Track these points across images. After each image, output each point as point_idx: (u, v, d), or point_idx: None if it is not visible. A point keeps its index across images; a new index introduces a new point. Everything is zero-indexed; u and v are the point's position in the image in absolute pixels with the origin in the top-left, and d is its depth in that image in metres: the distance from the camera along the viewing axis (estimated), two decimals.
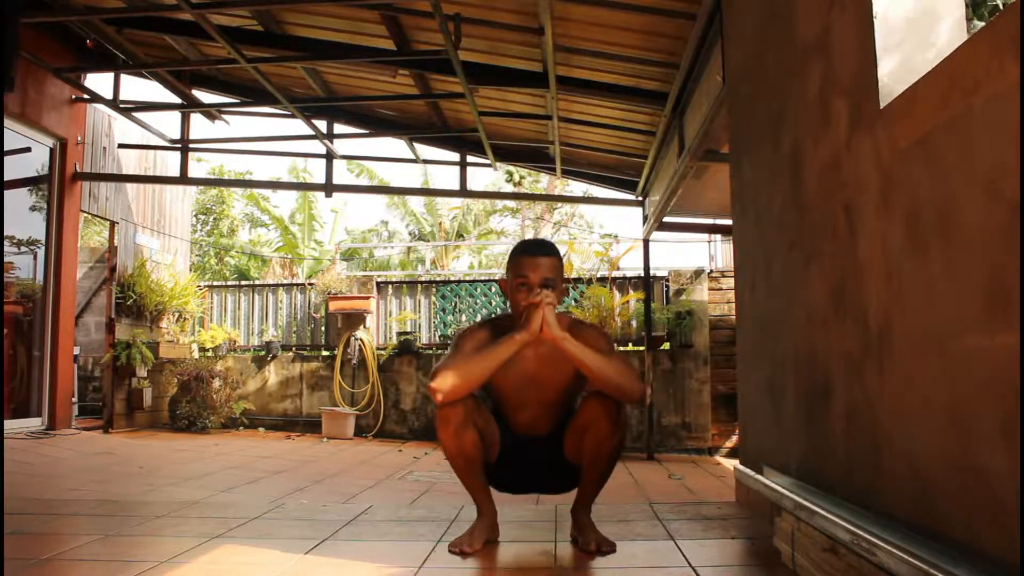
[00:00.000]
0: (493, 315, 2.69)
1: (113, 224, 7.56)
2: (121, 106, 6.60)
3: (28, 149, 6.36)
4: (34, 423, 6.24)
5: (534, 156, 7.52)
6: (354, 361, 8.03)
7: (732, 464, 3.85)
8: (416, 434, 7.83)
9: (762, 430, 2.75)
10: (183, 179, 7.51)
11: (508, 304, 2.33)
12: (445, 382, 2.12)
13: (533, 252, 2.27)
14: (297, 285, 8.98)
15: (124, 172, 7.58)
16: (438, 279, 9.64)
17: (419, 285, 8.70)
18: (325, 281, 8.46)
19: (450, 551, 2.20)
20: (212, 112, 7.22)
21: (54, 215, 6.55)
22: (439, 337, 8.39)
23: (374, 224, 18.51)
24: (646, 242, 7.15)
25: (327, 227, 15.55)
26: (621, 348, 7.92)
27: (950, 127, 1.37)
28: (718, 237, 9.11)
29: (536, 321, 2.10)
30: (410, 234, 16.89)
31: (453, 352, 2.24)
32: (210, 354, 8.19)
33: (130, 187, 7.74)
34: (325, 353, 8.34)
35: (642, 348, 7.47)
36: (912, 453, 1.52)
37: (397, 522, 2.69)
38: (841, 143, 1.88)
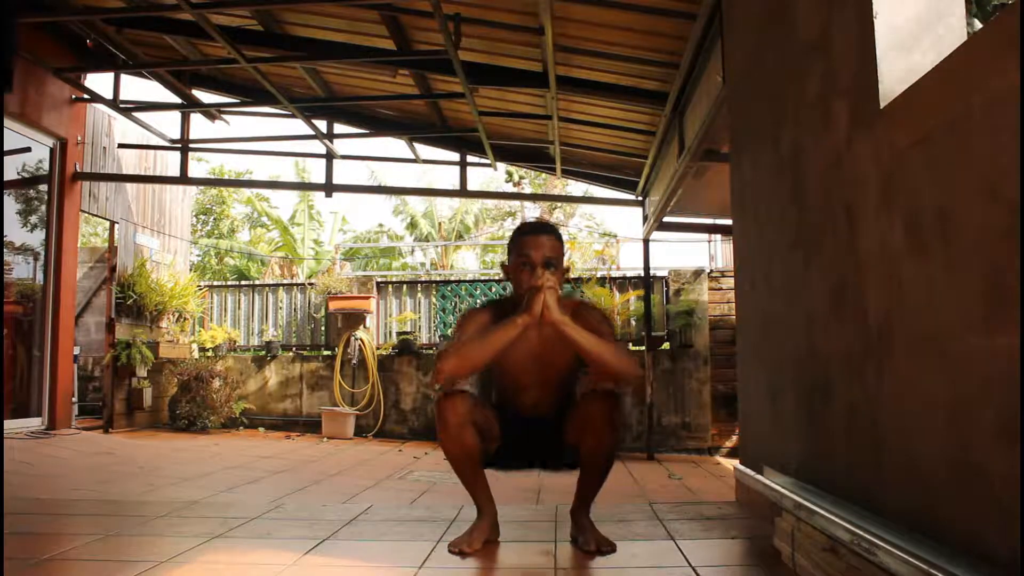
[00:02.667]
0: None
1: (113, 224, 7.56)
2: (121, 106, 6.60)
3: (28, 149, 6.36)
4: (34, 423, 6.24)
5: (534, 156, 7.52)
6: (354, 361, 8.03)
7: (732, 464, 3.85)
8: (416, 434, 7.83)
9: (762, 430, 2.75)
10: (183, 179, 7.51)
11: (512, 287, 2.34)
12: (448, 365, 2.14)
13: (535, 232, 2.28)
14: (297, 285, 8.98)
15: (124, 172, 7.57)
16: (438, 279, 9.64)
17: (419, 285, 8.70)
18: (325, 281, 8.46)
19: (450, 551, 2.20)
20: (212, 112, 7.22)
21: (54, 215, 6.55)
22: (439, 337, 8.38)
23: (375, 225, 18.52)
24: (646, 242, 7.15)
25: (327, 227, 15.55)
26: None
27: (950, 127, 1.37)
28: (718, 237, 9.11)
29: (537, 304, 2.11)
30: (411, 235, 16.88)
31: (456, 335, 2.26)
32: (210, 354, 8.19)
33: (130, 187, 7.74)
34: (325, 353, 8.34)
35: (642, 348, 7.47)
36: (912, 453, 1.52)
37: (397, 522, 2.69)
38: (841, 143, 1.88)
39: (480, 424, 2.24)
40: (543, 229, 2.30)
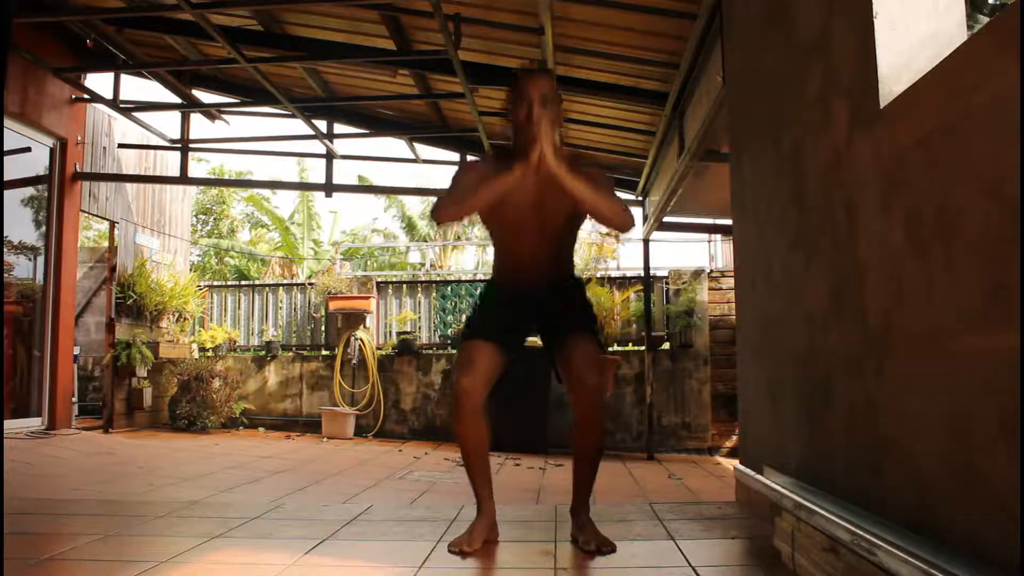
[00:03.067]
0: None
1: (113, 224, 7.56)
2: (121, 106, 6.59)
3: (28, 149, 6.36)
4: (34, 423, 6.24)
5: None
6: (354, 361, 8.03)
7: (732, 464, 3.85)
8: (416, 434, 7.83)
9: (762, 430, 2.75)
10: (183, 179, 7.51)
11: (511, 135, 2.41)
12: (447, 208, 2.27)
13: (530, 73, 2.41)
14: (297, 285, 8.98)
15: (124, 172, 7.57)
16: (438, 279, 9.64)
17: (419, 285, 8.70)
18: (325, 281, 8.46)
19: (450, 551, 2.20)
20: (212, 112, 7.22)
21: (54, 215, 6.55)
22: (439, 337, 8.39)
23: (374, 225, 18.49)
24: (646, 242, 7.15)
25: (327, 227, 15.55)
26: (621, 349, 7.92)
27: (950, 127, 1.37)
28: (718, 237, 9.10)
29: (535, 153, 2.18)
30: (409, 236, 16.87)
31: (452, 185, 2.36)
32: (210, 354, 8.19)
33: (130, 187, 7.74)
34: (325, 353, 8.34)
35: (642, 348, 7.47)
36: (912, 453, 1.52)
37: (397, 522, 2.69)
38: (841, 143, 1.88)
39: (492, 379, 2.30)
40: (537, 71, 2.45)
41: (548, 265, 2.43)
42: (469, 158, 7.44)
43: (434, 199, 13.03)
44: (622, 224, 2.33)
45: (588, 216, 2.39)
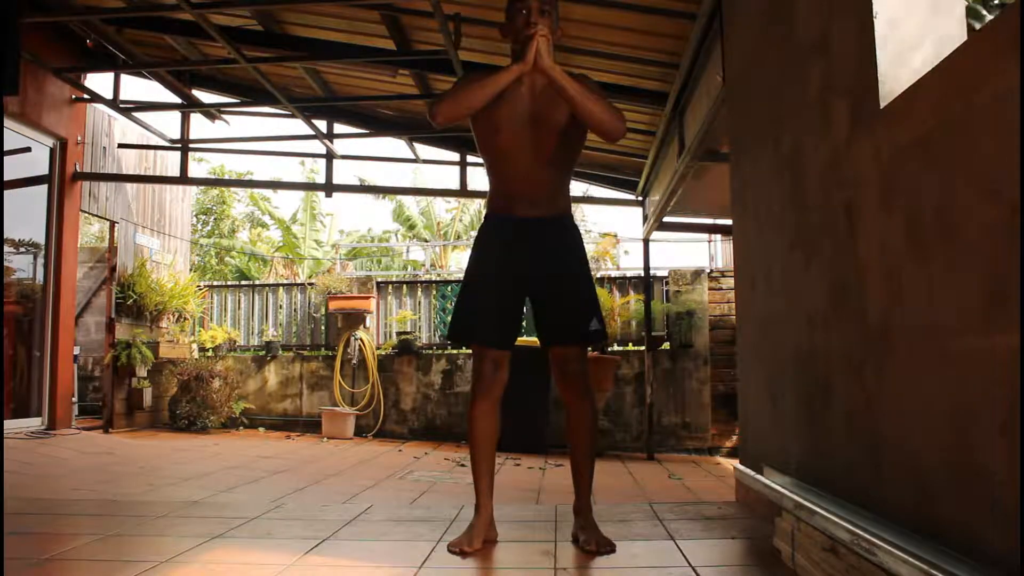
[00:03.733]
0: None
1: (113, 224, 7.56)
2: (121, 106, 6.60)
3: (28, 149, 6.36)
4: (34, 423, 6.24)
5: None
6: (354, 361, 8.03)
7: (732, 464, 3.85)
8: (416, 434, 7.83)
9: (762, 430, 2.75)
10: (183, 179, 7.51)
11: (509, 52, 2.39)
12: (443, 105, 2.25)
13: None
14: (297, 285, 8.98)
15: (124, 172, 7.57)
16: (438, 279, 9.64)
17: (419, 285, 8.70)
18: (325, 281, 8.46)
19: (449, 551, 2.20)
20: (212, 112, 7.22)
21: (54, 215, 6.55)
22: (439, 337, 8.39)
23: (375, 225, 18.51)
24: (646, 242, 7.15)
25: (328, 227, 15.55)
26: (621, 348, 7.92)
27: (950, 127, 1.37)
28: (718, 237, 9.11)
29: (531, 52, 2.17)
30: (409, 237, 16.87)
31: (452, 87, 2.34)
32: (210, 354, 8.19)
33: (130, 187, 7.74)
34: (325, 353, 8.34)
35: (642, 348, 7.47)
36: (912, 453, 1.52)
37: (397, 522, 2.69)
38: (841, 143, 1.88)
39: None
40: None
41: (544, 188, 2.35)
42: (467, 162, 7.44)
43: (433, 200, 12.85)
44: (614, 128, 2.26)
45: (582, 120, 2.30)
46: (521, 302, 2.42)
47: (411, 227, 16.45)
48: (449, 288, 8.66)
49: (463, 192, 7.82)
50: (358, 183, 15.48)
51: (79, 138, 6.79)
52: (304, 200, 15.18)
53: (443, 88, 6.04)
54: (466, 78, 2.36)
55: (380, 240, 17.52)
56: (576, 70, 5.28)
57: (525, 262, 2.34)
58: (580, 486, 2.38)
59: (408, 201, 16.55)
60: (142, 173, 7.85)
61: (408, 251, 16.16)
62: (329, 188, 7.57)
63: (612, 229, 18.72)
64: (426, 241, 15.93)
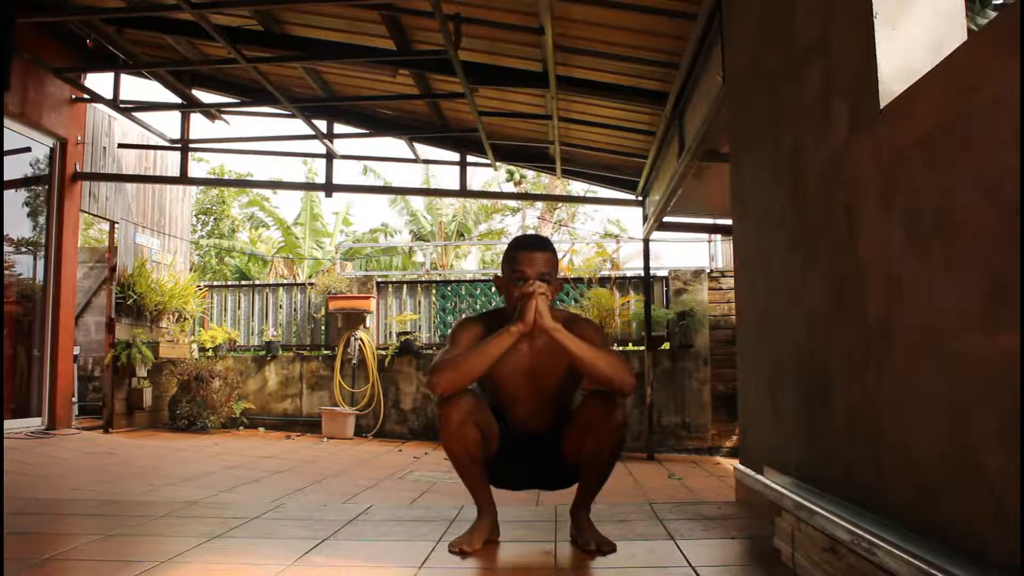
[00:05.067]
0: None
1: (113, 224, 7.56)
2: (121, 106, 6.59)
3: (28, 149, 6.36)
4: (34, 423, 6.24)
5: (534, 156, 7.52)
6: (354, 361, 8.03)
7: (732, 464, 3.85)
8: (416, 434, 7.83)
9: (762, 430, 2.75)
10: (183, 179, 7.51)
11: (504, 300, 2.34)
12: (444, 377, 2.14)
13: (529, 247, 2.29)
14: (297, 285, 8.98)
15: (124, 172, 7.57)
16: (438, 279, 9.64)
17: (419, 285, 8.70)
18: (325, 281, 8.46)
19: (450, 551, 2.20)
20: (212, 112, 7.22)
21: (54, 215, 6.55)
22: (439, 337, 8.38)
23: (377, 225, 18.50)
24: (646, 242, 7.15)
25: (329, 227, 15.56)
26: (621, 348, 7.92)
27: (950, 127, 1.37)
28: (718, 237, 9.10)
29: (530, 312, 2.12)
30: (411, 233, 16.87)
31: (450, 347, 2.26)
32: (210, 354, 8.19)
33: (130, 187, 7.74)
34: (325, 353, 8.34)
35: (642, 348, 7.47)
36: (912, 453, 1.52)
37: (397, 522, 2.69)
38: (841, 143, 1.88)
39: (481, 423, 2.24)
40: (538, 245, 2.31)
41: (545, 423, 2.34)
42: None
43: (436, 199, 12.88)
44: (622, 385, 2.15)
45: (587, 383, 2.25)
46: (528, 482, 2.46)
47: (415, 224, 16.46)
48: (449, 288, 8.66)
49: (463, 192, 7.83)
50: (362, 182, 15.50)
51: (79, 138, 6.79)
52: (305, 200, 15.19)
53: (443, 88, 6.04)
54: (465, 331, 2.28)
55: (386, 233, 17.51)
56: (576, 70, 5.29)
57: (533, 458, 2.36)
58: (582, 495, 2.32)
59: (415, 202, 16.57)
60: (142, 173, 7.85)
61: (411, 251, 16.17)
62: (329, 188, 7.58)
63: (616, 221, 18.74)
64: (427, 241, 15.93)
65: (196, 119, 7.66)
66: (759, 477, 2.51)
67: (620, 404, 2.21)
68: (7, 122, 5.84)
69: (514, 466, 2.38)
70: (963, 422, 1.31)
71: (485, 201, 17.01)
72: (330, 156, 7.40)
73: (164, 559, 2.13)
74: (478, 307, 8.44)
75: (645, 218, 7.10)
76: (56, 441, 5.81)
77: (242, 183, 15.76)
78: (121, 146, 7.48)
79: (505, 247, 2.41)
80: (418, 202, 16.71)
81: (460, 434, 2.21)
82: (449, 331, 7.90)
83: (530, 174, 16.34)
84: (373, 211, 41.00)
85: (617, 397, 2.19)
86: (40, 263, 6.53)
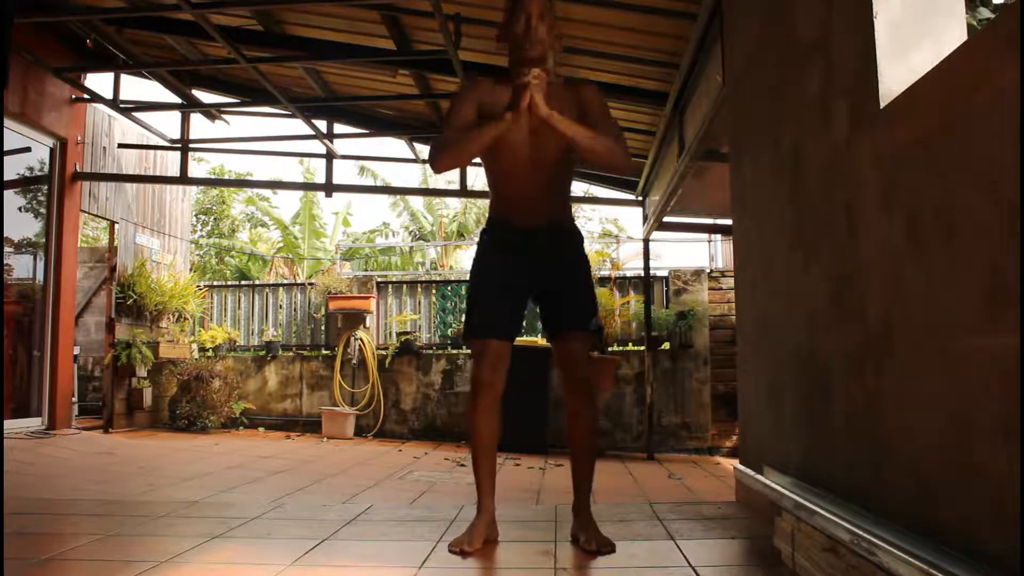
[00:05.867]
0: None
1: (113, 224, 7.56)
2: (121, 106, 6.59)
3: (28, 149, 6.36)
4: (34, 423, 6.24)
5: None
6: (354, 361, 8.03)
7: (732, 464, 3.85)
8: (416, 434, 7.83)
9: (762, 430, 2.75)
10: (183, 179, 7.51)
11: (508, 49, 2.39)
12: (443, 160, 2.30)
13: None
14: (297, 285, 8.98)
15: (124, 172, 7.57)
16: (438, 279, 9.64)
17: (419, 285, 8.70)
18: (325, 281, 8.46)
19: (450, 551, 2.20)
20: (212, 112, 7.22)
21: (54, 215, 6.55)
22: (439, 337, 8.39)
23: (377, 225, 18.50)
24: (646, 242, 7.15)
25: (329, 227, 15.55)
26: (621, 348, 7.92)
27: (950, 127, 1.37)
28: (718, 237, 9.11)
29: (525, 99, 2.15)
30: (411, 233, 16.87)
31: (450, 114, 2.37)
32: (210, 354, 8.18)
33: (130, 187, 7.74)
34: (325, 353, 8.34)
35: (642, 348, 7.47)
36: (912, 453, 1.52)
37: (397, 522, 2.69)
38: (841, 143, 1.88)
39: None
40: None
41: (544, 201, 2.40)
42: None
43: (435, 199, 12.81)
44: (619, 166, 2.32)
45: (586, 161, 2.37)
46: (523, 302, 2.45)
47: (415, 223, 16.46)
48: (449, 288, 8.66)
49: (463, 192, 7.83)
50: (361, 182, 15.49)
51: (79, 138, 6.79)
52: (304, 200, 15.19)
53: (443, 88, 6.04)
54: (464, 103, 2.37)
55: (386, 234, 17.50)
56: (576, 70, 5.29)
57: (526, 267, 2.38)
58: (579, 489, 2.37)
59: (417, 203, 16.56)
60: (142, 173, 7.85)
61: (411, 250, 16.17)
62: (329, 188, 7.58)
63: (616, 219, 18.72)
64: (427, 240, 15.93)
65: (196, 119, 7.66)
66: (759, 477, 2.51)
67: (591, 394, 2.41)
68: (7, 122, 5.83)
69: (513, 306, 2.40)
70: (963, 422, 1.31)
71: (485, 201, 17.01)
72: (330, 156, 7.40)
73: (164, 559, 2.13)
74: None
75: (645, 218, 7.10)
76: (56, 441, 5.81)
77: (242, 183, 15.77)
78: (121, 146, 7.47)
79: None
80: (418, 202, 16.70)
81: (487, 417, 2.31)
82: (453, 334, 7.97)
83: None
84: (373, 211, 41.00)
85: (594, 390, 2.40)
86: (40, 263, 6.53)
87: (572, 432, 2.41)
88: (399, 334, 8.18)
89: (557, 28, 2.38)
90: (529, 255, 2.38)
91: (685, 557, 2.13)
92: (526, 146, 2.32)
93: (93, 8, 5.70)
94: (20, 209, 6.50)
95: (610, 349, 7.43)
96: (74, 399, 6.91)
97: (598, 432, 2.49)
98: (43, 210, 6.59)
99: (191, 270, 9.66)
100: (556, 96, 2.26)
